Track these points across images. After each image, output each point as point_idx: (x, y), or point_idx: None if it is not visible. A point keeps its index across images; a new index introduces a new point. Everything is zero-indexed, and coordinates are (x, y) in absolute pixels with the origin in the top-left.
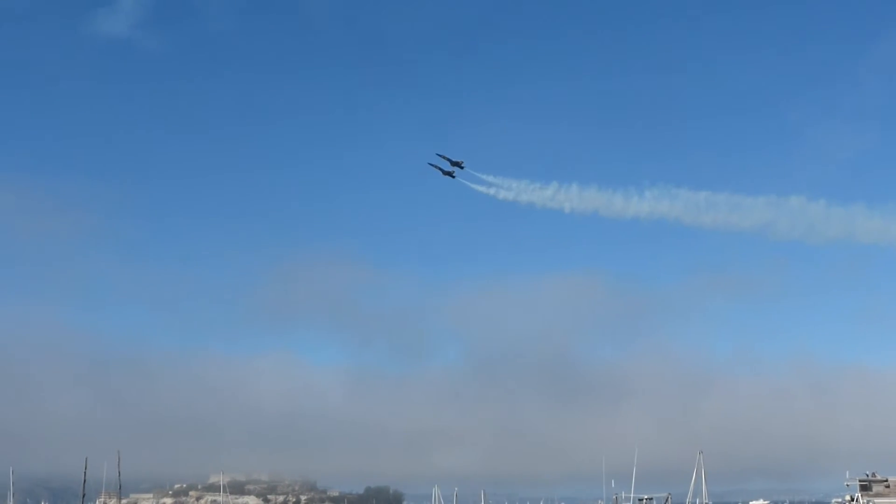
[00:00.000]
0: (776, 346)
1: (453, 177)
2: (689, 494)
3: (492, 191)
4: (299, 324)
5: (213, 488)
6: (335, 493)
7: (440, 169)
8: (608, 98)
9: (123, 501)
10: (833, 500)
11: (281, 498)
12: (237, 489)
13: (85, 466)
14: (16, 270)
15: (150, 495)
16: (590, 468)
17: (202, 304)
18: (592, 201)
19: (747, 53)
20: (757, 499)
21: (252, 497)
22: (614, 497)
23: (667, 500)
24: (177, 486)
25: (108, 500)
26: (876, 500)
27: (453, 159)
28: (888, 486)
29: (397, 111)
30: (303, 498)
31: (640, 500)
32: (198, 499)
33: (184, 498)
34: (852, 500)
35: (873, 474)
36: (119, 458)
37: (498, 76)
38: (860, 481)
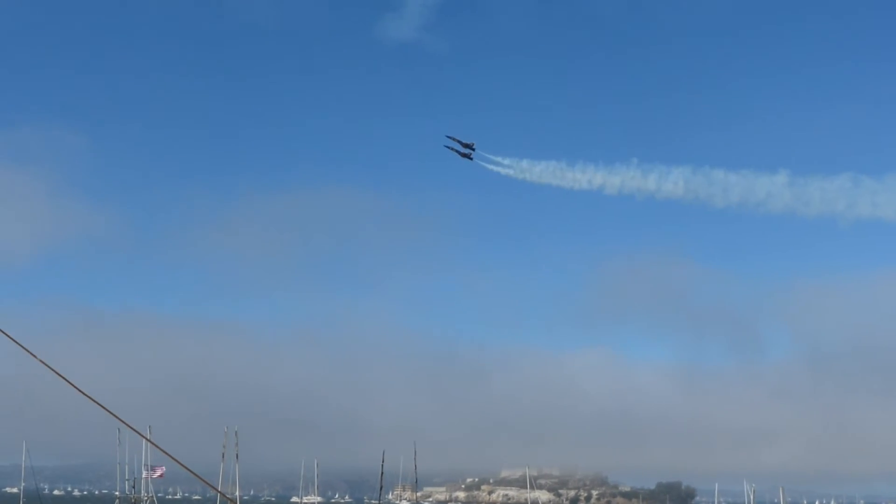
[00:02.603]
0: None
1: (471, 159)
2: None
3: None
4: (622, 322)
5: (505, 482)
6: (626, 488)
7: (456, 151)
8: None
9: (417, 494)
10: None
11: (572, 492)
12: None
13: (382, 460)
14: (359, 273)
15: (444, 488)
16: None
17: (530, 303)
18: None
19: None
20: None
21: (543, 491)
22: None
23: None
24: (469, 479)
25: (402, 493)
26: None
27: (465, 141)
28: None
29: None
30: (594, 492)
31: None
32: (490, 493)
33: (476, 492)
34: None
35: None
36: (415, 452)
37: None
38: None
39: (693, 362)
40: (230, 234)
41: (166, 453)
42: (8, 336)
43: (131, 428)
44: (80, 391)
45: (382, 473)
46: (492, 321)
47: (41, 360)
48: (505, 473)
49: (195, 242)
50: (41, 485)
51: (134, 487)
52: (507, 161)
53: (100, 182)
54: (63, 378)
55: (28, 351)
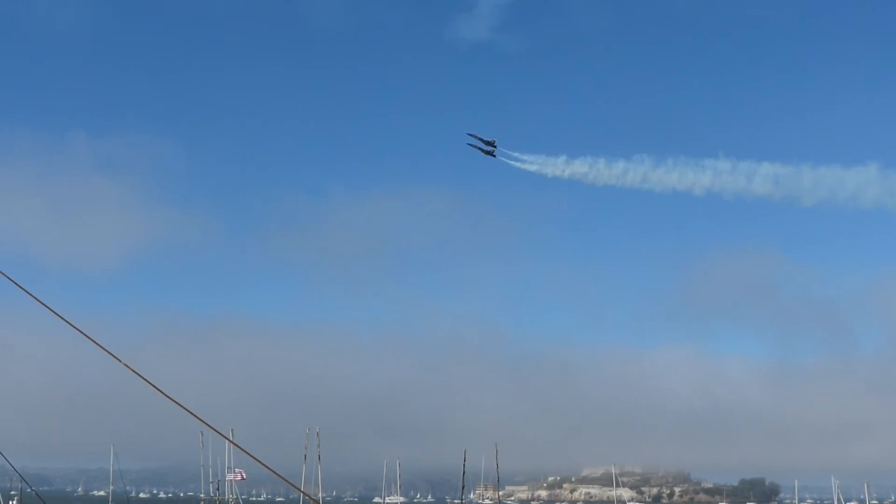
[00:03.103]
0: None
1: (494, 156)
2: None
3: None
4: (710, 317)
5: (587, 481)
6: (709, 485)
7: (479, 149)
8: None
9: (499, 493)
10: None
11: (654, 490)
12: (610, 482)
13: (464, 459)
14: (445, 273)
15: (525, 487)
16: None
17: (617, 300)
18: None
19: None
20: None
21: (625, 489)
22: None
23: None
24: (550, 478)
25: (484, 492)
26: None
27: (486, 138)
28: None
29: None
30: (676, 490)
31: None
32: (571, 491)
33: (558, 490)
34: None
35: None
36: (496, 451)
37: None
38: None
39: (783, 357)
40: (320, 236)
41: (249, 454)
42: (95, 342)
43: (214, 430)
44: (164, 394)
45: (464, 473)
46: (578, 319)
47: (126, 365)
48: (586, 471)
49: (285, 246)
50: (127, 488)
51: (218, 489)
52: (528, 157)
53: (191, 188)
54: (147, 382)
55: (114, 356)
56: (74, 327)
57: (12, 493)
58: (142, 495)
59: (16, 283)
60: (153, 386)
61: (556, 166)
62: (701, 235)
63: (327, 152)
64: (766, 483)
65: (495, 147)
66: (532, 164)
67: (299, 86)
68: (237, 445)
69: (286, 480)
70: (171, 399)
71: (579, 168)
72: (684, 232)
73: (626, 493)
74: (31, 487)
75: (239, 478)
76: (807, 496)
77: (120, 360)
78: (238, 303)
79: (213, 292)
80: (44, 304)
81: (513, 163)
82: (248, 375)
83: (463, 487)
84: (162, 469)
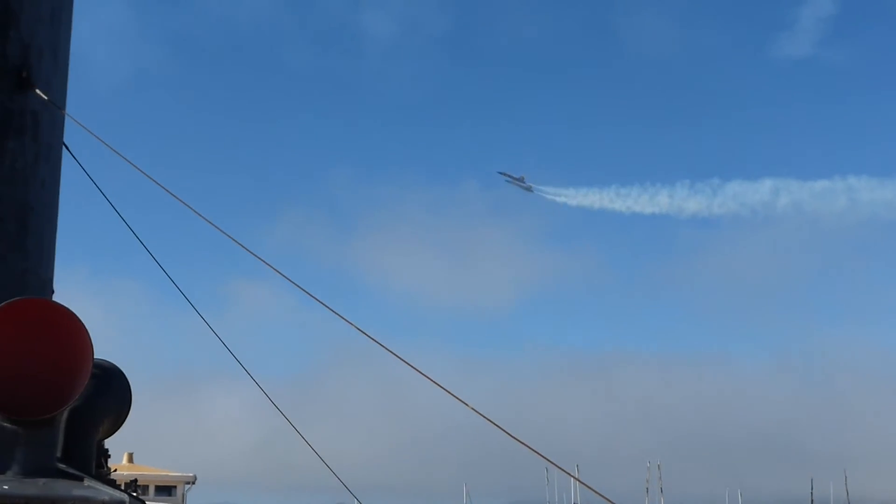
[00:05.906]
0: None
1: (532, 191)
2: None
3: None
4: None
5: None
6: None
7: (517, 185)
8: None
9: None
10: None
11: None
12: None
13: (811, 487)
14: (827, 298)
15: None
16: None
17: None
18: None
19: None
20: None
21: None
22: None
23: None
24: None
25: None
26: None
27: (515, 175)
28: None
29: None
30: None
31: None
32: None
33: None
34: None
35: None
36: (845, 477)
37: None
38: None
39: None
40: (710, 265)
41: (592, 489)
42: (441, 387)
43: (558, 467)
44: (508, 434)
45: (812, 500)
46: None
47: (473, 409)
48: None
49: (674, 278)
50: None
51: None
52: (564, 191)
53: (571, 230)
54: (491, 422)
55: (460, 399)
56: (423, 374)
57: None
58: None
59: (368, 335)
60: (496, 426)
61: None
62: None
63: (714, 177)
64: None
65: (524, 182)
66: (565, 196)
67: (641, 119)
68: (580, 481)
69: None
70: (514, 438)
71: None
72: None
73: None
74: None
75: None
76: None
77: (467, 405)
78: (630, 337)
79: (604, 329)
80: (393, 354)
81: (552, 197)
82: (637, 408)
83: None
84: None
